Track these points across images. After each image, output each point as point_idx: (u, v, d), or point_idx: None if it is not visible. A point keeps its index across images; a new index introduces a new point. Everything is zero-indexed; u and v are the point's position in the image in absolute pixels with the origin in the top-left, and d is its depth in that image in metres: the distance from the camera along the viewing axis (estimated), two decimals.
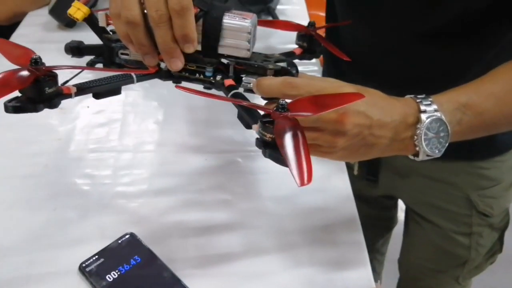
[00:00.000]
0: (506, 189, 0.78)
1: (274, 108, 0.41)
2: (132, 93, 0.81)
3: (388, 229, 1.07)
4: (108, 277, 0.52)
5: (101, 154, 0.69)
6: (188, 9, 0.44)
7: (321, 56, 0.83)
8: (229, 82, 0.51)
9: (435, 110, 0.48)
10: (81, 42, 0.56)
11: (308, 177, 0.38)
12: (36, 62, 0.43)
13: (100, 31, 0.53)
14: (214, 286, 0.52)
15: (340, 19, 0.75)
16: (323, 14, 0.86)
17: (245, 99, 0.47)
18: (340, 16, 0.75)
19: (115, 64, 0.53)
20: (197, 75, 0.52)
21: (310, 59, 0.64)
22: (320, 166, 0.67)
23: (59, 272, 0.53)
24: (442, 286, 0.90)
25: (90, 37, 0.97)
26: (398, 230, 1.03)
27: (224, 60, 0.52)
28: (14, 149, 0.69)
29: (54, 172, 0.65)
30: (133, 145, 0.71)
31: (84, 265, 0.53)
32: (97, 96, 0.49)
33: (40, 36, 0.98)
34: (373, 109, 0.47)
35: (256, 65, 0.50)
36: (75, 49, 0.55)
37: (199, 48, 0.49)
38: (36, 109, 0.43)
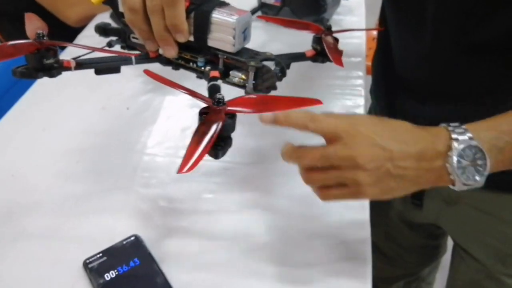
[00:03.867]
0: None
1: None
2: (172, 98, 0.84)
3: (435, 257, 1.00)
4: (107, 275, 0.54)
5: (127, 154, 0.72)
6: (178, 1, 0.48)
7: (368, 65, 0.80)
8: (214, 73, 0.54)
9: (470, 138, 0.45)
10: (107, 24, 0.63)
11: (188, 169, 0.41)
12: (39, 37, 0.50)
13: (119, 15, 0.57)
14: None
15: (390, 31, 0.72)
16: None
17: (219, 91, 0.50)
18: (390, 27, 0.72)
19: (128, 46, 0.60)
20: (191, 64, 0.55)
21: (323, 62, 0.64)
22: None
23: (65, 264, 0.56)
24: None
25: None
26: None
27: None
28: (50, 144, 0.74)
29: (84, 168, 0.69)
30: (158, 148, 0.73)
31: (88, 261, 0.56)
32: (97, 72, 0.55)
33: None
34: (392, 142, 0.46)
35: (239, 60, 0.53)
36: (101, 29, 0.63)
37: (191, 39, 0.53)
38: (37, 76, 0.50)
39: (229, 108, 0.45)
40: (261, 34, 1.00)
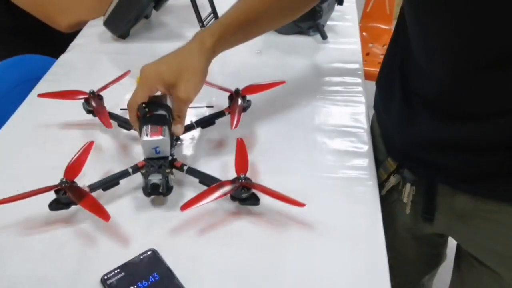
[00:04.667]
0: None
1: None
2: None
3: (436, 265, 1.00)
4: None
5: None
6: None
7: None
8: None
9: None
10: None
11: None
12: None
13: None
14: None
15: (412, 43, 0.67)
16: (384, 26, 0.82)
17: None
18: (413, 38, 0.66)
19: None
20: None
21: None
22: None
23: (82, 281, 0.55)
24: None
25: (140, 49, 1.01)
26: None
27: None
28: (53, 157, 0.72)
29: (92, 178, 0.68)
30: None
31: (106, 277, 0.55)
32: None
33: (95, 47, 1.02)
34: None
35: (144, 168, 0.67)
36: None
37: None
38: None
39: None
40: (259, 41, 1.00)
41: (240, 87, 0.78)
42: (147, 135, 0.65)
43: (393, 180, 0.73)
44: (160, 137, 0.65)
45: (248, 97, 0.78)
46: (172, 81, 0.65)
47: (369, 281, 0.55)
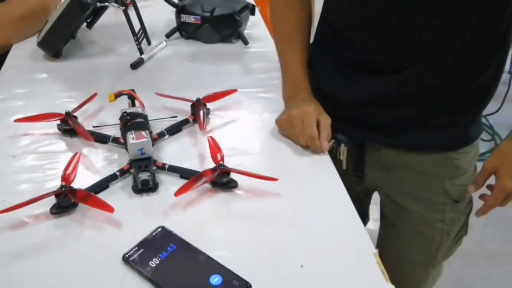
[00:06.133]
0: (470, 177, 0.90)
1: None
2: None
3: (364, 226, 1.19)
4: (151, 263, 0.60)
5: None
6: None
7: None
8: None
9: None
10: None
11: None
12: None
13: None
14: (243, 264, 0.62)
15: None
16: None
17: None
18: None
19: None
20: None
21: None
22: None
23: (104, 263, 0.61)
24: (421, 272, 1.01)
25: (76, 66, 1.08)
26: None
27: None
28: None
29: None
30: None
31: (127, 255, 0.62)
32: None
33: (30, 67, 1.05)
34: None
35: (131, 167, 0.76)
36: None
37: None
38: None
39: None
40: (188, 51, 1.11)
41: (183, 94, 0.90)
42: (133, 139, 0.74)
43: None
44: (145, 139, 0.74)
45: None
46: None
47: (342, 225, 0.69)
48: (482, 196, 0.85)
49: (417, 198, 0.92)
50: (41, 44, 1.04)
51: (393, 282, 0.60)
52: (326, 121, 0.82)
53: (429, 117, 0.83)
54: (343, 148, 0.90)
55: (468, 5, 0.72)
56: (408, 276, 1.01)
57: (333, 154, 0.89)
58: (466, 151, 0.88)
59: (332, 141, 0.82)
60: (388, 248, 1.01)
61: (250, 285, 0.58)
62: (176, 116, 0.89)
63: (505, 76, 2.57)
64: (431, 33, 0.76)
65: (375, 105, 0.84)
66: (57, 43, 1.03)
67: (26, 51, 1.09)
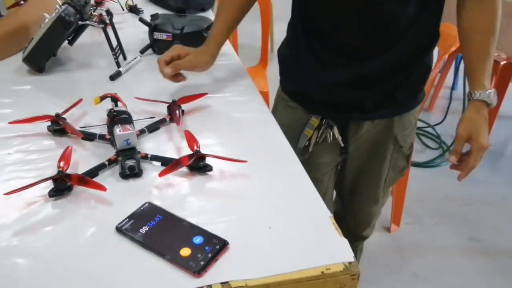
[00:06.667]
0: (413, 128, 1.20)
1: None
2: None
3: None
4: (141, 230, 0.71)
5: None
6: None
7: None
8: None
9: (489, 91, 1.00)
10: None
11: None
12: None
13: None
14: (220, 228, 0.73)
15: None
16: None
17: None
18: None
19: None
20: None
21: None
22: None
23: (99, 233, 0.71)
24: (373, 195, 1.32)
25: (59, 79, 1.20)
26: None
27: None
28: None
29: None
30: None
31: (119, 226, 0.72)
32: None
33: (16, 80, 1.15)
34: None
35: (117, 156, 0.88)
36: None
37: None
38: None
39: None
40: None
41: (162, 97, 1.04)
42: (119, 131, 0.85)
43: (312, 132, 1.12)
44: (130, 131, 0.85)
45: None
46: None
47: (302, 196, 0.81)
48: (453, 166, 1.07)
49: (375, 148, 1.18)
50: (26, 60, 1.14)
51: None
52: (185, 60, 1.07)
53: (395, 92, 1.08)
54: (335, 131, 1.12)
55: None
56: (365, 199, 1.34)
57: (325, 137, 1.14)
58: (415, 110, 1.16)
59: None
60: (349, 177, 1.30)
61: (228, 243, 0.69)
62: (154, 117, 1.00)
63: (448, 92, 2.81)
64: (400, 23, 0.99)
65: (354, 87, 1.06)
66: (41, 59, 1.13)
67: (10, 67, 1.19)
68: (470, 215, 2.11)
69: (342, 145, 1.15)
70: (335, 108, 1.09)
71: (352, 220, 1.41)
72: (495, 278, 1.79)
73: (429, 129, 2.68)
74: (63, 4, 1.11)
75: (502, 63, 2.50)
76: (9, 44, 1.22)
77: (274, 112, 1.20)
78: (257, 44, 2.31)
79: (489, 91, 0.99)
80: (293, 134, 1.11)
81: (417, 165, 2.40)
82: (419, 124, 2.69)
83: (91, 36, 1.38)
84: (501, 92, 2.54)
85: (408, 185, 1.95)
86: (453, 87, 2.95)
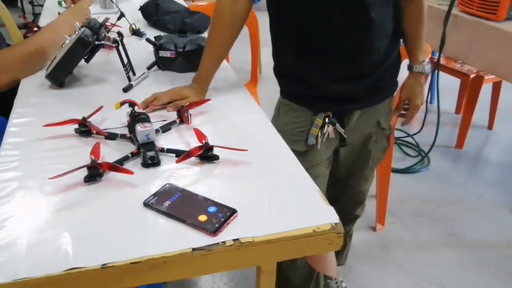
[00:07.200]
0: (390, 112, 1.45)
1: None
2: None
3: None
4: (165, 204, 0.87)
5: None
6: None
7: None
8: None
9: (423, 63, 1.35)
10: None
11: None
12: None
13: None
14: (229, 200, 0.89)
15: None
16: None
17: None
18: None
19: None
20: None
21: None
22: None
23: (129, 207, 0.87)
24: (361, 172, 1.54)
25: (78, 93, 1.38)
26: None
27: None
28: None
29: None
30: None
31: (146, 201, 0.87)
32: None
33: (40, 93, 1.31)
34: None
35: (139, 150, 1.04)
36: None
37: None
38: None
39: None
40: (164, 78, 1.40)
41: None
42: (141, 127, 1.01)
43: (318, 131, 1.33)
44: (150, 128, 1.02)
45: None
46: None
47: (294, 176, 0.98)
48: (401, 117, 1.41)
49: (364, 133, 1.42)
50: (49, 76, 1.30)
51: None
52: (186, 100, 1.23)
53: (380, 83, 1.31)
54: (338, 126, 1.33)
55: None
56: (358, 179, 1.57)
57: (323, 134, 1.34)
58: (393, 96, 1.43)
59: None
60: (343, 162, 1.51)
61: (236, 210, 0.85)
62: (165, 120, 1.17)
63: (423, 106, 3.03)
64: (377, 29, 1.23)
65: (348, 81, 1.29)
66: (62, 75, 1.30)
67: (34, 83, 1.35)
68: (448, 213, 2.28)
69: (346, 136, 1.37)
70: (333, 102, 1.31)
71: (348, 200, 1.62)
72: (472, 268, 1.95)
73: (408, 139, 2.87)
74: (81, 27, 1.28)
75: (472, 76, 2.72)
76: (32, 63, 1.38)
77: (276, 118, 1.40)
78: (246, 67, 2.51)
79: (423, 64, 1.36)
80: (299, 131, 1.34)
81: (398, 171, 2.58)
82: (400, 134, 2.89)
83: (101, 56, 1.55)
84: (471, 103, 2.76)
85: (390, 189, 2.13)
86: (430, 101, 3.17)
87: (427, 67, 1.38)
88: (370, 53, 1.26)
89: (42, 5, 2.31)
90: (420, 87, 1.40)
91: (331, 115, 1.33)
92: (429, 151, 2.57)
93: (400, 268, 1.95)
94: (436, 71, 2.51)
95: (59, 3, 2.20)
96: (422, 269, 1.94)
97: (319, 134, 1.32)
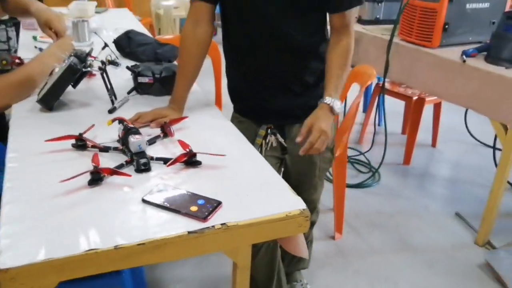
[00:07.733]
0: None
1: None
2: None
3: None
4: (160, 199, 1.03)
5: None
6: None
7: None
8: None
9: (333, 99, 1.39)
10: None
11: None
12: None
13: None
14: (214, 195, 1.06)
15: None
16: None
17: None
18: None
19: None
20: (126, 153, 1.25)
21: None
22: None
23: (129, 204, 1.02)
24: (309, 182, 1.70)
25: (66, 115, 1.55)
26: None
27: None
28: None
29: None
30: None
31: (144, 197, 1.03)
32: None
33: (33, 117, 1.44)
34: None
35: (132, 158, 1.20)
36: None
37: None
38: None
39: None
40: (155, 103, 1.58)
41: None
42: (134, 139, 1.17)
43: (262, 140, 1.49)
44: (141, 139, 1.18)
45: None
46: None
47: (264, 173, 1.17)
48: (301, 143, 1.39)
49: (304, 143, 1.51)
50: (41, 100, 1.43)
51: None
52: (167, 118, 1.39)
53: (313, 100, 1.45)
54: (278, 136, 1.54)
55: (320, 16, 1.45)
56: (307, 187, 1.71)
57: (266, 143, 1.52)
58: None
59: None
60: (291, 172, 1.68)
61: (221, 202, 1.02)
62: (150, 135, 1.33)
63: (372, 128, 3.31)
64: (304, 52, 1.45)
65: (279, 98, 1.51)
66: (52, 99, 1.44)
67: (25, 108, 1.48)
68: (399, 223, 2.52)
69: (286, 145, 1.55)
70: (271, 116, 1.51)
71: None
72: (422, 269, 2.18)
73: (361, 157, 3.13)
74: (70, 56, 1.44)
75: (414, 98, 3.03)
76: (22, 90, 1.52)
77: None
78: (210, 97, 2.70)
79: (333, 99, 1.38)
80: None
81: (352, 186, 2.81)
82: (352, 152, 3.14)
83: (83, 83, 1.70)
84: (415, 122, 3.06)
85: (346, 202, 2.35)
86: (378, 123, 3.47)
87: (337, 105, 1.38)
88: (300, 73, 1.47)
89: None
90: (324, 116, 1.37)
91: (272, 127, 1.56)
92: (379, 167, 2.83)
93: (356, 272, 2.14)
94: (382, 94, 2.78)
95: (34, 38, 2.33)
96: (377, 272, 2.15)
97: (263, 143, 1.53)
